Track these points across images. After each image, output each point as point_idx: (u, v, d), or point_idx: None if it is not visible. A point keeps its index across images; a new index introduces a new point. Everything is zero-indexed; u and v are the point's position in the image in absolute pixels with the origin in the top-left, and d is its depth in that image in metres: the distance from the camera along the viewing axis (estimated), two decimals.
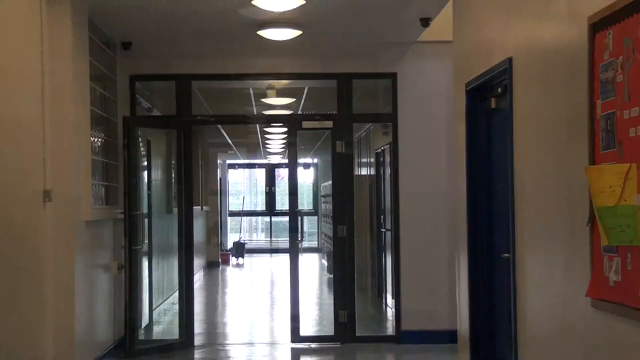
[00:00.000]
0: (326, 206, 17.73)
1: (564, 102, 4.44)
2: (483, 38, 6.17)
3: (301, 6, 7.45)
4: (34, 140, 6.28)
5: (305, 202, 27.05)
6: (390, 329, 10.11)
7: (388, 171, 10.79)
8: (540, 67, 4.85)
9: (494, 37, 5.87)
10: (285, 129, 14.31)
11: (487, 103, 6.26)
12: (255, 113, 13.04)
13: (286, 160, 11.44)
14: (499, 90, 5.89)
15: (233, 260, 22.34)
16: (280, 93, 11.68)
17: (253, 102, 12.27)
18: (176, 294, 9.63)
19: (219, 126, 14.94)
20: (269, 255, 25.06)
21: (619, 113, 3.63)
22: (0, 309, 5.39)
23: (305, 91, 11.54)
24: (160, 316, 11.11)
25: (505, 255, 5.62)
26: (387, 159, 11.06)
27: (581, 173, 3.96)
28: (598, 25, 3.85)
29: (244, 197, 27.79)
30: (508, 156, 5.48)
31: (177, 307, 9.53)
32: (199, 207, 17.83)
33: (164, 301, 11.49)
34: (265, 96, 11.76)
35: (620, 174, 3.54)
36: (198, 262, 17.11)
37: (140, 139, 9.25)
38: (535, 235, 5.01)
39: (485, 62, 5.94)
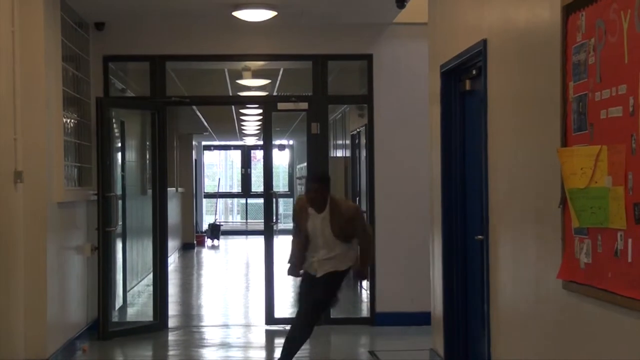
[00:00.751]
0: (301, 188, 17.72)
1: (538, 84, 4.44)
2: (458, 20, 6.16)
3: None
4: (5, 121, 6.22)
5: (280, 184, 27.02)
6: (365, 311, 10.13)
7: (363, 153, 10.79)
8: (515, 49, 4.85)
9: (468, 19, 5.86)
10: (260, 111, 14.27)
11: (462, 85, 6.26)
12: (230, 94, 12.98)
13: (262, 142, 11.40)
14: (474, 72, 5.89)
15: (208, 242, 22.30)
16: (256, 74, 11.62)
17: (228, 83, 12.21)
18: (150, 275, 9.59)
19: (194, 107, 14.86)
20: (244, 237, 25.04)
21: (591, 95, 3.63)
22: None
23: (281, 72, 11.50)
24: (134, 298, 11.08)
25: (479, 237, 5.63)
26: (363, 141, 11.05)
27: (553, 155, 3.96)
28: (571, 7, 3.84)
29: (219, 179, 27.72)
30: (482, 138, 5.48)
31: (151, 289, 9.49)
32: (174, 188, 17.76)
33: (138, 283, 11.45)
34: (240, 77, 11.70)
35: (591, 156, 3.55)
36: (173, 244, 17.06)
37: (114, 120, 9.18)
38: (508, 218, 5.02)
39: (460, 44, 5.94)
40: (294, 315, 10.05)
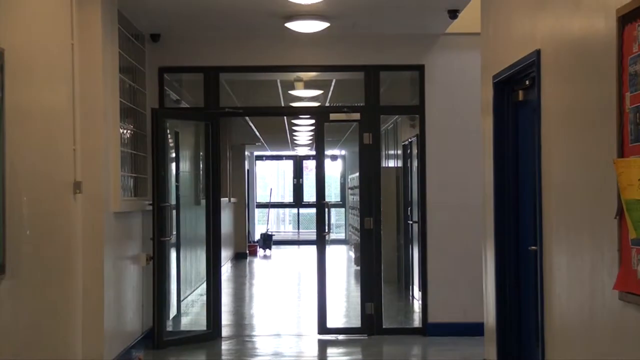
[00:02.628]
0: (353, 198, 17.74)
1: (592, 95, 4.42)
2: (511, 30, 6.15)
3: None
4: (64, 132, 6.34)
5: (332, 194, 27.06)
6: (417, 321, 10.12)
7: (415, 163, 10.78)
8: (569, 60, 4.83)
9: (522, 29, 5.85)
10: (312, 121, 14.33)
11: (515, 95, 6.24)
12: (282, 105, 13.07)
13: (314, 152, 11.46)
14: (527, 82, 5.88)
15: (260, 252, 22.41)
16: (308, 85, 11.69)
17: (280, 94, 12.29)
18: (204, 285, 9.68)
19: (247, 118, 14.97)
20: (296, 247, 25.12)
21: None
22: (31, 299, 5.46)
23: (333, 83, 11.55)
24: (188, 307, 11.18)
25: (532, 247, 5.60)
26: (414, 151, 11.04)
27: (609, 166, 3.94)
28: (627, 18, 3.83)
29: (271, 189, 27.86)
30: (535, 149, 5.46)
31: (204, 298, 9.58)
32: (227, 198, 17.89)
33: (192, 292, 11.56)
34: (292, 88, 11.78)
35: None
36: (226, 254, 17.19)
37: (168, 131, 9.30)
38: (562, 228, 4.99)
39: (513, 55, 5.92)
40: (346, 325, 10.11)
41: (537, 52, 5.35)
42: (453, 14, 8.28)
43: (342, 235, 25.42)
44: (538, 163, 5.41)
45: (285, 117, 15.82)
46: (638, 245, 3.70)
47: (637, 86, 3.71)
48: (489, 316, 6.79)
